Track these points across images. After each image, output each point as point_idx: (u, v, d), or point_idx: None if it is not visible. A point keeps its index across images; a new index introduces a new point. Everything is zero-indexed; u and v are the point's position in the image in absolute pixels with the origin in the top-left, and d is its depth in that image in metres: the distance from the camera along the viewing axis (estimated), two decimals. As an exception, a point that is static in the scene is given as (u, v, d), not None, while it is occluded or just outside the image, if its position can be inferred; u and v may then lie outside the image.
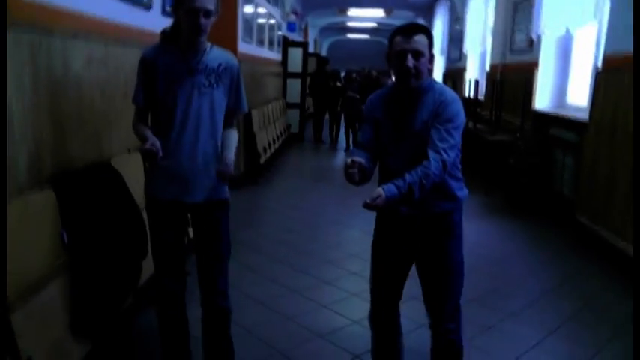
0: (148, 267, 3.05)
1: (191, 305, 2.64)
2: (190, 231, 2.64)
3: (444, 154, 2.11)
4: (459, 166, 2.32)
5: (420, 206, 2.24)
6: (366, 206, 2.06)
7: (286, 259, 4.46)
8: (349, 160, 2.12)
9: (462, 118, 2.22)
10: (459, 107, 2.22)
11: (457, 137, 2.18)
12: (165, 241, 2.48)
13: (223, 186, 2.49)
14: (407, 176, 2.06)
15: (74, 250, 2.54)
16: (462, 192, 2.34)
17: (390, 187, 2.06)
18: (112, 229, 2.77)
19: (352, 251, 4.67)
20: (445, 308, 2.38)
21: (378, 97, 2.39)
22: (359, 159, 2.12)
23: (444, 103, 2.19)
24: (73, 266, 2.55)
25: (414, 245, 2.37)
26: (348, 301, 3.70)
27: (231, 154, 2.49)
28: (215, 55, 2.43)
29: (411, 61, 2.16)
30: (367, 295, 3.69)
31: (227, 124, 2.53)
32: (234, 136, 2.57)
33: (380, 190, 2.06)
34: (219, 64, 2.41)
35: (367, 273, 4.12)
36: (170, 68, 2.35)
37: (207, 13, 2.27)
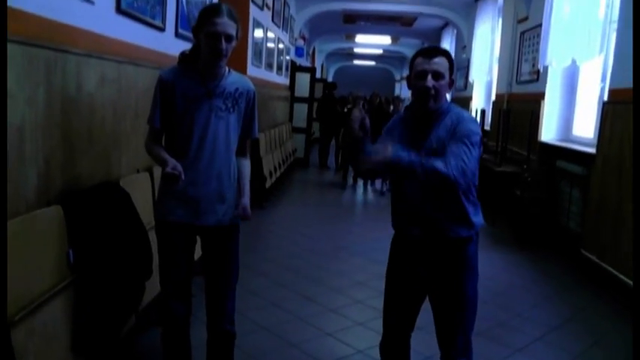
0: (150, 288, 3.02)
1: (194, 328, 2.61)
2: (197, 251, 2.62)
3: (456, 159, 2.06)
4: (474, 192, 2.28)
5: (435, 229, 2.22)
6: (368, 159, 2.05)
7: (291, 284, 4.42)
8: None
9: (477, 135, 2.16)
10: (475, 126, 2.21)
11: (474, 152, 2.13)
12: (173, 263, 2.46)
13: (233, 210, 2.48)
14: (424, 156, 2.06)
15: (79, 269, 2.52)
16: (478, 218, 2.30)
17: (401, 152, 2.05)
18: (118, 249, 2.75)
19: (358, 279, 4.64)
20: (456, 342, 2.34)
21: (397, 120, 2.41)
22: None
23: (460, 121, 2.18)
24: (77, 285, 2.52)
25: (428, 274, 2.33)
26: (352, 329, 3.66)
27: (247, 198, 2.52)
28: (233, 79, 2.44)
29: (430, 82, 2.16)
30: (372, 325, 3.69)
31: (240, 151, 2.53)
32: (248, 170, 2.57)
33: (389, 147, 2.04)
34: (237, 89, 2.42)
35: (372, 302, 4.13)
36: (188, 91, 2.35)
37: (228, 38, 2.28)
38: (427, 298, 2.42)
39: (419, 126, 2.26)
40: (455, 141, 2.13)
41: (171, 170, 2.21)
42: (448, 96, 2.38)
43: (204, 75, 2.37)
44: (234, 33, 2.30)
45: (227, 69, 2.43)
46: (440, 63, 2.18)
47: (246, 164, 2.59)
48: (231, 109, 2.41)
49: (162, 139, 2.46)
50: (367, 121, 9.34)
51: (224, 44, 2.27)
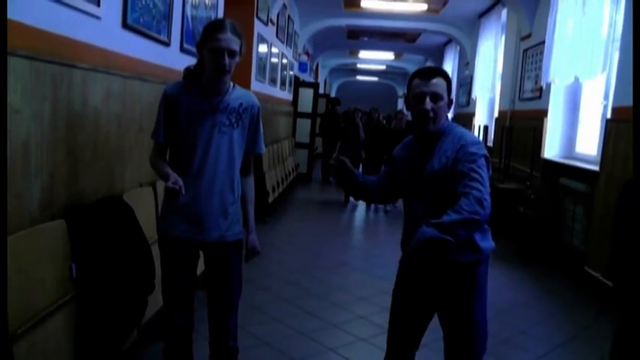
0: (153, 302, 3.02)
1: (196, 343, 2.60)
2: (199, 266, 2.62)
3: (473, 191, 2.02)
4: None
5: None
6: (410, 249, 2.02)
7: (294, 299, 4.40)
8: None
9: (483, 157, 2.14)
10: (479, 147, 2.18)
11: (484, 175, 2.10)
12: (176, 278, 2.46)
13: (237, 226, 2.48)
14: (444, 217, 2.00)
15: (82, 283, 2.52)
16: (487, 243, 2.25)
17: (426, 229, 1.99)
18: (121, 263, 2.75)
19: (360, 295, 4.62)
20: None
21: (404, 142, 2.43)
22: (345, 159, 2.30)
23: (464, 147, 2.15)
24: (80, 299, 2.52)
25: (436, 295, 2.30)
26: (355, 345, 3.64)
27: (254, 234, 2.57)
28: (237, 94, 2.44)
29: (429, 104, 2.16)
30: (375, 341, 3.67)
31: (244, 169, 2.53)
32: (252, 192, 2.58)
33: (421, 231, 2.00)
34: (241, 104, 2.42)
35: (375, 318, 4.11)
36: (192, 106, 2.36)
37: (232, 53, 2.28)
38: (433, 317, 2.40)
39: (420, 148, 2.27)
40: (461, 169, 2.10)
41: (172, 185, 2.22)
42: (449, 114, 2.38)
43: (208, 90, 2.38)
44: (237, 48, 2.30)
45: (231, 84, 2.44)
46: (437, 84, 2.18)
47: (250, 185, 2.58)
48: (235, 125, 2.41)
49: (166, 154, 2.47)
50: (361, 132, 9.44)
51: (227, 60, 2.27)
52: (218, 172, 2.39)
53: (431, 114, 2.17)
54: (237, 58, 2.33)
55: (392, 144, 7.39)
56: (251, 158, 2.57)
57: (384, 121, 12.46)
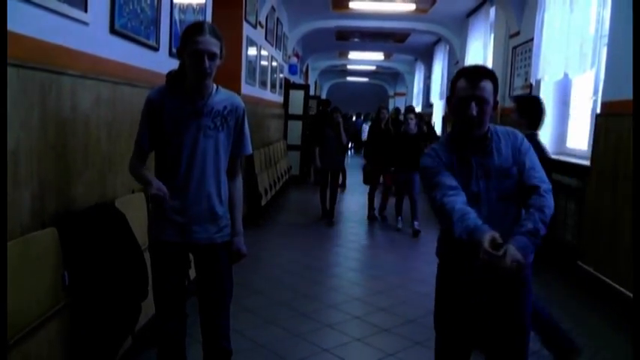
0: (146, 308, 3.01)
1: (189, 347, 2.60)
2: (191, 273, 2.62)
3: (544, 185, 2.06)
4: None
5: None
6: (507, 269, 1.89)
7: (287, 301, 4.40)
8: (490, 241, 1.90)
9: (532, 149, 2.18)
10: (524, 138, 2.20)
11: (542, 170, 2.14)
12: (167, 282, 2.45)
13: (227, 228, 2.48)
14: (525, 222, 1.97)
15: (74, 291, 2.51)
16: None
17: (518, 240, 1.93)
18: (114, 270, 2.74)
19: (354, 294, 4.62)
20: None
21: (442, 147, 2.21)
22: (497, 236, 1.91)
23: (518, 141, 2.16)
24: (73, 307, 2.51)
25: (485, 301, 2.19)
26: (350, 345, 3.64)
27: (240, 237, 2.53)
28: (221, 97, 2.42)
29: (474, 109, 2.04)
30: (370, 340, 3.68)
31: (231, 172, 2.51)
32: (239, 196, 2.56)
33: (512, 251, 1.87)
34: (225, 107, 2.41)
35: (370, 317, 4.12)
36: (176, 111, 2.34)
37: (212, 56, 2.26)
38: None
39: (470, 150, 2.14)
40: (523, 163, 2.12)
41: (156, 192, 2.23)
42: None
43: (192, 94, 2.36)
44: (217, 51, 2.28)
45: (215, 86, 2.42)
46: (485, 88, 2.05)
47: (238, 187, 2.57)
48: (220, 128, 2.39)
49: (146, 160, 2.45)
50: (343, 134, 7.85)
51: (207, 63, 2.25)
52: (205, 176, 2.37)
53: (476, 120, 2.05)
54: (218, 61, 2.32)
55: (401, 153, 7.02)
56: (238, 160, 2.56)
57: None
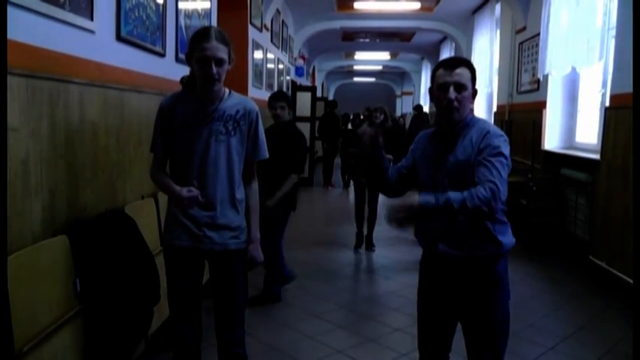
0: (159, 313, 3.02)
1: (204, 351, 2.60)
2: (205, 274, 2.62)
3: (491, 184, 2.00)
4: (500, 212, 2.21)
5: (461, 246, 2.17)
6: (395, 213, 2.03)
7: (300, 303, 4.40)
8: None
9: (507, 152, 2.12)
10: (502, 140, 2.13)
11: (504, 172, 2.07)
12: (181, 288, 2.46)
13: (242, 234, 2.48)
14: (449, 193, 2.00)
15: (87, 297, 2.53)
16: (506, 238, 2.24)
17: (426, 196, 2.02)
18: (125, 275, 2.75)
19: (366, 295, 4.62)
20: None
21: (424, 134, 2.40)
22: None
23: (488, 136, 2.12)
24: (85, 314, 2.53)
25: (458, 295, 2.26)
26: (364, 346, 3.63)
27: (257, 243, 2.52)
28: (234, 101, 2.41)
29: (452, 94, 2.12)
30: (384, 341, 3.68)
31: (247, 176, 2.50)
32: (256, 201, 2.55)
33: (414, 197, 2.02)
34: (238, 111, 2.40)
35: (383, 318, 4.11)
36: (187, 116, 2.35)
37: (219, 62, 2.26)
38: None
39: (444, 139, 2.23)
40: (483, 160, 2.07)
41: (189, 194, 2.28)
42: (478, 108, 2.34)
43: (202, 99, 2.36)
44: (224, 56, 2.28)
45: (226, 91, 2.41)
46: (461, 74, 2.14)
47: (254, 193, 2.55)
48: (232, 132, 2.38)
49: (165, 166, 2.47)
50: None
51: (215, 69, 2.25)
52: (218, 181, 2.37)
53: (455, 103, 2.13)
54: (226, 66, 2.31)
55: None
56: (253, 165, 2.54)
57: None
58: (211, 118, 2.35)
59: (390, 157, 5.35)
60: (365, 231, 6.29)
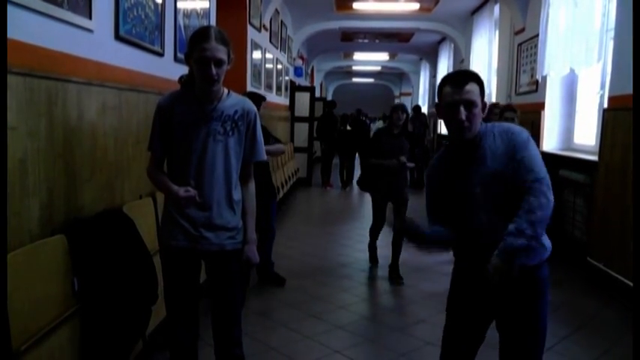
0: (157, 312, 3.02)
1: (202, 350, 2.60)
2: (202, 275, 2.62)
3: (536, 183, 1.97)
4: None
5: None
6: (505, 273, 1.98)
7: (298, 304, 4.40)
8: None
9: (532, 143, 2.09)
10: (526, 135, 2.10)
11: (540, 163, 2.04)
12: (178, 288, 2.46)
13: (238, 235, 2.47)
14: (510, 226, 1.95)
15: (84, 297, 2.52)
16: (547, 241, 2.17)
17: (505, 245, 1.96)
18: (123, 275, 2.75)
19: (365, 295, 4.62)
20: None
21: (439, 158, 2.27)
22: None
23: (514, 136, 2.08)
24: (83, 313, 2.52)
25: (499, 304, 2.19)
26: (362, 346, 3.63)
27: (252, 244, 2.51)
28: (232, 101, 2.40)
29: (463, 114, 2.02)
30: (381, 341, 3.67)
31: (244, 177, 2.49)
32: (252, 203, 2.54)
33: (493, 260, 1.97)
34: (236, 111, 2.39)
35: (381, 318, 4.11)
36: (185, 116, 2.34)
37: (219, 62, 2.25)
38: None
39: (463, 153, 2.14)
40: (517, 161, 2.03)
41: (186, 194, 2.28)
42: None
43: (201, 99, 2.35)
44: (224, 57, 2.26)
45: (225, 91, 2.40)
46: (471, 91, 2.04)
47: (251, 194, 2.53)
48: (230, 133, 2.37)
49: (162, 166, 2.46)
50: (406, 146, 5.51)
51: (214, 69, 2.23)
52: (214, 181, 2.36)
53: (466, 124, 2.04)
54: (225, 67, 2.29)
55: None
56: (250, 166, 2.52)
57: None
58: (209, 118, 2.34)
59: (412, 164, 4.95)
60: (376, 248, 5.67)
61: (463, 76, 2.09)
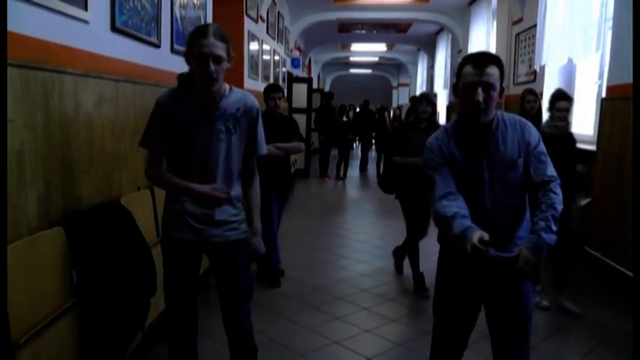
0: (156, 304, 3.02)
1: (202, 342, 2.60)
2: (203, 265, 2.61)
3: (554, 180, 2.10)
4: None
5: (512, 248, 2.13)
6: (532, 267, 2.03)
7: (297, 295, 4.41)
8: (478, 239, 1.94)
9: (540, 138, 2.18)
10: (536, 130, 2.19)
11: (547, 157, 2.15)
12: (179, 281, 2.44)
13: (241, 225, 2.46)
14: (540, 223, 2.04)
15: (83, 289, 2.52)
16: (529, 223, 2.23)
17: (532, 240, 2.04)
18: (122, 267, 2.75)
19: (363, 286, 4.62)
20: (522, 354, 2.26)
21: (441, 139, 2.22)
22: (486, 236, 1.94)
23: (527, 129, 2.15)
24: (82, 305, 2.52)
25: (485, 288, 2.24)
26: (360, 337, 3.64)
27: (259, 236, 2.51)
28: (234, 98, 2.35)
29: (480, 95, 2.03)
30: (380, 332, 3.68)
31: (248, 171, 2.48)
32: (257, 196, 2.53)
33: (525, 253, 2.02)
34: (238, 109, 2.34)
35: (378, 309, 4.12)
36: (187, 115, 2.28)
37: (217, 59, 2.20)
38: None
39: (476, 138, 2.14)
40: (531, 155, 2.13)
41: (214, 192, 2.29)
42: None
43: (202, 98, 2.29)
44: (223, 54, 2.21)
45: (227, 87, 2.35)
46: (491, 74, 2.03)
47: (255, 188, 2.53)
48: (233, 131, 2.33)
49: (162, 163, 2.38)
50: None
51: (212, 66, 2.18)
52: (217, 179, 2.33)
53: (482, 106, 2.03)
54: (225, 64, 2.24)
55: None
56: (254, 160, 2.50)
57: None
58: (212, 117, 2.29)
59: None
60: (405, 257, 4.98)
61: (485, 58, 2.10)
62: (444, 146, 2.19)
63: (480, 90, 2.03)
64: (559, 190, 2.09)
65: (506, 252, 2.12)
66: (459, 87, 2.11)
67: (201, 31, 2.23)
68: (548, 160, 2.14)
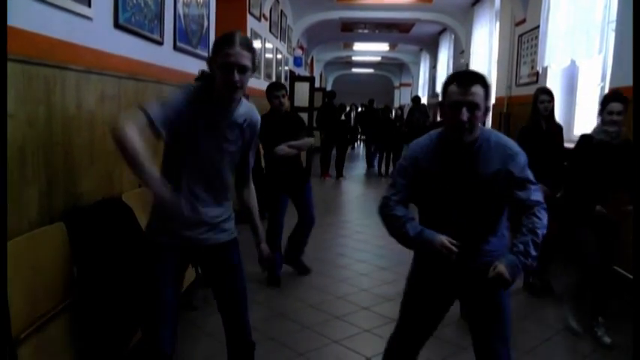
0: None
1: (197, 340, 2.60)
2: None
3: (540, 205, 2.08)
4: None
5: (489, 258, 2.13)
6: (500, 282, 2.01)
7: (296, 294, 4.41)
8: (446, 239, 2.07)
9: (526, 160, 2.17)
10: (520, 149, 2.18)
11: (534, 182, 2.14)
12: (163, 285, 2.29)
13: (230, 226, 2.41)
14: (519, 245, 2.02)
15: (84, 285, 2.52)
16: (506, 230, 2.28)
17: (509, 258, 2.01)
18: (122, 263, 2.75)
19: (363, 286, 4.62)
20: (501, 354, 2.27)
21: (423, 147, 2.25)
22: (452, 241, 2.06)
23: (512, 157, 2.14)
24: (82, 301, 2.52)
25: (458, 291, 2.28)
26: (360, 336, 3.64)
27: (264, 243, 2.55)
28: (243, 110, 2.32)
29: (465, 115, 2.04)
30: (379, 331, 3.68)
31: (245, 179, 2.49)
32: (255, 201, 2.54)
33: (501, 267, 1.99)
34: (245, 120, 2.32)
35: (378, 308, 4.12)
36: (197, 119, 2.21)
37: (242, 69, 2.14)
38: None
39: (459, 157, 2.17)
40: (516, 180, 2.11)
41: (172, 199, 2.02)
42: None
43: (217, 106, 2.23)
44: (248, 63, 2.16)
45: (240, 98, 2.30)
46: (476, 93, 2.05)
47: (253, 195, 2.53)
48: (235, 141, 2.31)
49: (144, 136, 2.06)
50: None
51: (237, 76, 2.13)
52: (212, 186, 2.30)
53: (467, 125, 2.06)
54: (249, 74, 2.19)
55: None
56: (249, 169, 2.50)
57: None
58: (223, 124, 2.26)
59: None
60: None
61: (470, 77, 2.10)
62: (421, 157, 2.23)
63: (464, 109, 2.05)
64: (543, 215, 2.07)
65: (486, 264, 2.11)
66: (444, 105, 2.13)
67: (228, 39, 2.16)
68: (534, 186, 2.13)
